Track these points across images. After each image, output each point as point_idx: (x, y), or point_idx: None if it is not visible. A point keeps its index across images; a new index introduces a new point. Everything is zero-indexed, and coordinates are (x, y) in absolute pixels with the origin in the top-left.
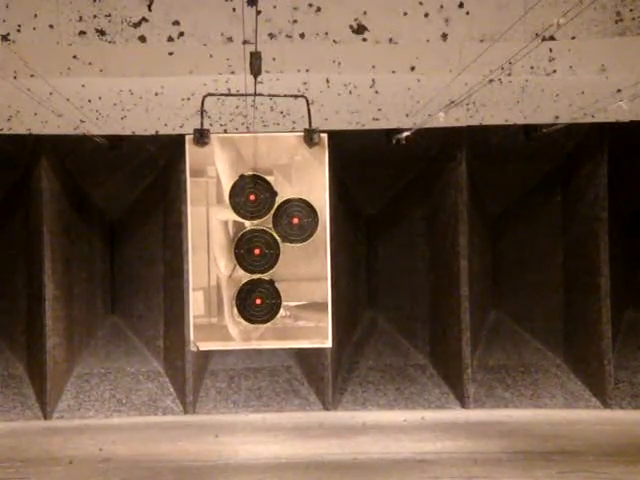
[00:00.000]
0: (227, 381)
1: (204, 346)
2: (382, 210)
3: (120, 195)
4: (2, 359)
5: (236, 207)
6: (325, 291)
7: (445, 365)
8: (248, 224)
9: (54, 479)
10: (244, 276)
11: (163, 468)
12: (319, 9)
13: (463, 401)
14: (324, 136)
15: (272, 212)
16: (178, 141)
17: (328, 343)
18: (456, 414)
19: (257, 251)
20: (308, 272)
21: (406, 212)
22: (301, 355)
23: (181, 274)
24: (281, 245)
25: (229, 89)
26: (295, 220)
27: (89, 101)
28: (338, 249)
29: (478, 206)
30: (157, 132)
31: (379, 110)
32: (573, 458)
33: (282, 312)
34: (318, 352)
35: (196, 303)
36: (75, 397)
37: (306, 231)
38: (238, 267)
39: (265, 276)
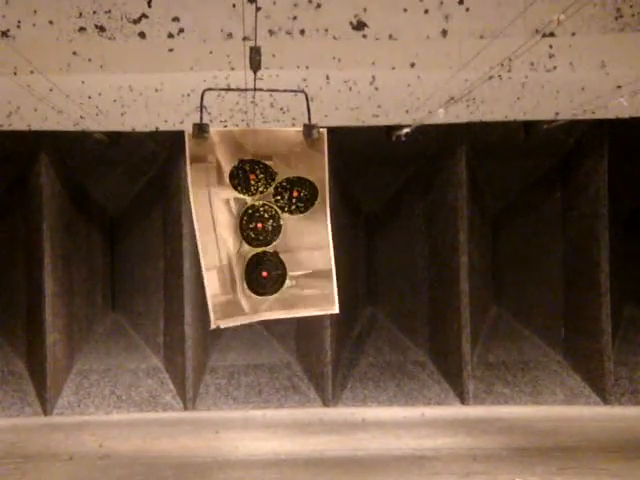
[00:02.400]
0: (227, 377)
1: (224, 324)
2: (382, 206)
3: (120, 191)
4: (2, 355)
5: (236, 185)
6: (328, 258)
7: (445, 361)
8: (249, 200)
9: (54, 475)
10: (250, 251)
11: (163, 464)
12: (319, 5)
13: (463, 397)
14: (323, 131)
15: (272, 188)
16: (178, 137)
17: (335, 309)
18: (456, 410)
19: (259, 225)
20: (310, 241)
21: (406, 208)
22: (301, 351)
23: (181, 270)
24: (282, 217)
25: (229, 85)
26: (295, 193)
27: (89, 97)
28: (337, 246)
29: (478, 202)
30: (157, 128)
31: (379, 107)
32: (573, 454)
33: (288, 282)
34: (318, 348)
35: (211, 283)
36: (75, 393)
37: (306, 202)
38: (244, 242)
39: (269, 248)
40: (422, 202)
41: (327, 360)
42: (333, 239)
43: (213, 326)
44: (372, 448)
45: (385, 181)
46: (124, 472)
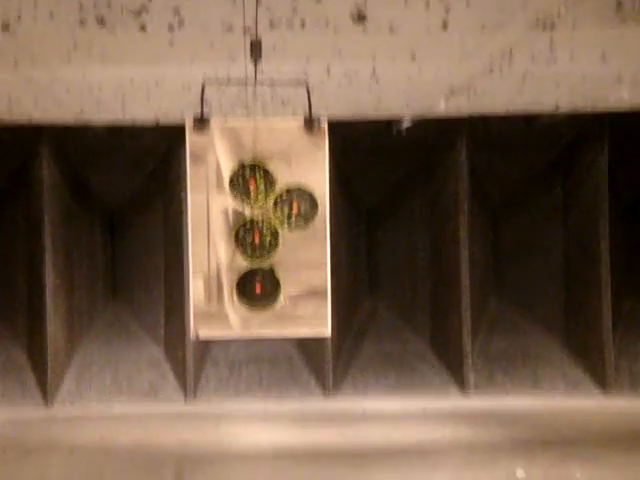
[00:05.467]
0: (228, 369)
1: (204, 334)
2: (382, 199)
3: (120, 184)
4: (3, 347)
5: (236, 195)
6: (324, 278)
7: (445, 353)
8: (248, 212)
9: (54, 467)
10: (244, 264)
11: (164, 456)
12: None
13: (463, 389)
14: (324, 124)
15: (272, 200)
16: (178, 130)
17: (327, 332)
18: (456, 402)
19: (257, 239)
20: (308, 259)
21: (406, 201)
22: (302, 343)
23: (181, 263)
24: (281, 233)
25: (230, 78)
26: (295, 208)
27: (89, 90)
28: (338, 238)
29: (478, 195)
30: (158, 120)
31: (379, 99)
32: (573, 445)
33: (282, 299)
34: (319, 340)
35: (196, 291)
36: (76, 385)
37: (306, 219)
38: (238, 255)
39: (265, 263)
40: (423, 194)
41: (328, 351)
42: (333, 231)
43: (192, 335)
44: (373, 439)
45: (386, 173)
46: (125, 464)
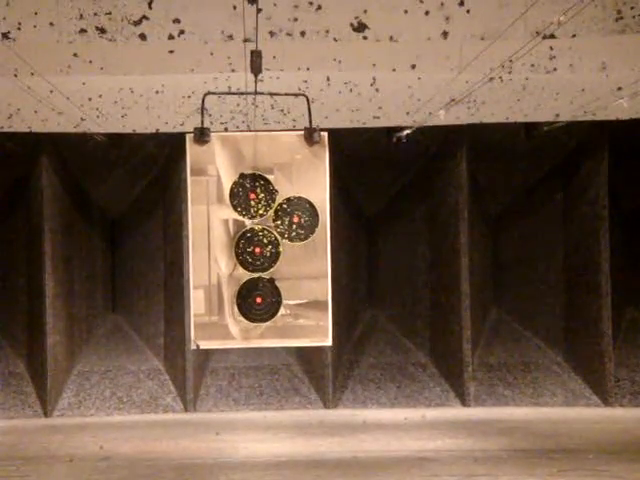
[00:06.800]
0: (228, 379)
1: (204, 344)
2: (383, 208)
3: (120, 193)
4: (3, 357)
5: (236, 206)
6: (326, 289)
7: (446, 363)
8: (248, 223)
9: (55, 477)
10: (245, 275)
11: (164, 466)
12: (320, 7)
13: (464, 399)
14: (324, 135)
15: (272, 211)
16: (178, 139)
17: (328, 342)
18: (457, 412)
19: (257, 250)
20: (309, 270)
21: (407, 210)
22: (302, 353)
23: (181, 272)
24: (281, 244)
25: (230, 87)
26: (295, 219)
27: (89, 99)
28: (339, 247)
29: (479, 204)
30: (157, 130)
31: (380, 108)
32: (573, 456)
33: (282, 311)
34: (319, 350)
35: (196, 302)
36: (76, 395)
37: (306, 229)
38: (239, 266)
39: (265, 275)
40: (423, 204)
41: (328, 362)
42: (334, 240)
43: (193, 346)
44: (373, 450)
45: (386, 183)
46: (124, 474)
